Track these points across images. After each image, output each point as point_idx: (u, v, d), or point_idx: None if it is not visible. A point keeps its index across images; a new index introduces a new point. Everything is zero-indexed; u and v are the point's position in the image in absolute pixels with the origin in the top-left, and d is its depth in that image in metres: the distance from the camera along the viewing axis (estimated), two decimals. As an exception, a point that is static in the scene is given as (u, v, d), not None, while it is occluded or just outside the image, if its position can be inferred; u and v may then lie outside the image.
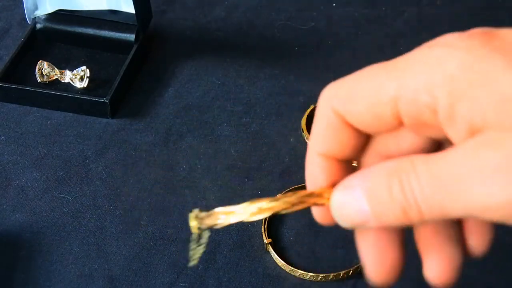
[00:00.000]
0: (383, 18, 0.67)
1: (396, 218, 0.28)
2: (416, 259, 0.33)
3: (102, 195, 0.52)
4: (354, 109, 0.30)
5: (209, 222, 0.34)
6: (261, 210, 0.32)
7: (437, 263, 0.32)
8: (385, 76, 0.29)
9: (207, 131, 0.57)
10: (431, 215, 0.27)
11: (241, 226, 0.50)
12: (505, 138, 0.26)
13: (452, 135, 0.27)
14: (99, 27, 0.62)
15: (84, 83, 0.58)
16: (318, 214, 0.32)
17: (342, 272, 0.46)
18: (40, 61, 0.59)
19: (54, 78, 0.59)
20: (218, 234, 0.49)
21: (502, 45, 0.27)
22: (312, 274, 0.46)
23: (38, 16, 0.62)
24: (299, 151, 0.55)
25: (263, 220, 0.49)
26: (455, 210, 0.27)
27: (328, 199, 0.30)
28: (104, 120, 0.57)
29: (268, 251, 0.48)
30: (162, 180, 0.53)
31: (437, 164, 0.27)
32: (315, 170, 0.32)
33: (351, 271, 0.46)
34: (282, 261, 0.47)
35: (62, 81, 0.59)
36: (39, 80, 0.59)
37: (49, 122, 0.57)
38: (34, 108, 0.58)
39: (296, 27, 0.66)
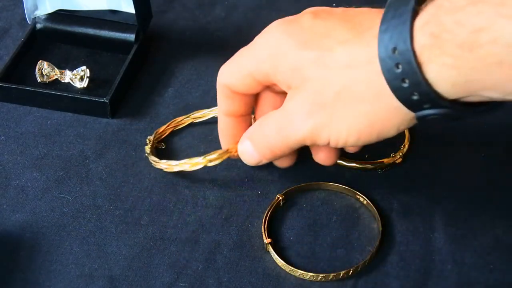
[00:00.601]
0: (383, 18, 0.66)
1: (269, 154, 0.47)
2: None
3: (102, 195, 0.52)
4: (232, 81, 0.47)
5: (154, 158, 0.53)
6: (194, 164, 0.50)
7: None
8: (245, 57, 0.47)
9: (207, 131, 0.57)
10: (281, 149, 0.47)
11: (241, 226, 0.50)
12: (293, 94, 0.44)
13: (284, 89, 0.46)
14: (99, 27, 0.62)
15: (84, 83, 0.58)
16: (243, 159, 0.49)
17: (342, 272, 0.46)
18: (40, 61, 0.59)
19: (54, 78, 0.59)
20: (218, 234, 0.49)
21: (298, 30, 0.44)
22: (312, 274, 0.46)
23: (38, 16, 0.62)
24: (299, 151, 0.55)
25: (263, 220, 0.49)
26: (294, 137, 0.45)
27: (236, 151, 0.49)
28: (104, 120, 0.57)
29: (268, 251, 0.48)
30: (162, 180, 0.53)
31: (267, 120, 0.47)
32: (224, 127, 0.51)
33: (351, 271, 0.46)
34: (282, 261, 0.47)
35: (62, 81, 0.59)
36: (39, 80, 0.59)
37: (49, 122, 0.57)
38: (34, 108, 0.58)
39: (296, 27, 0.66)
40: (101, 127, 0.57)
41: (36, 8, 0.62)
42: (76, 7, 0.62)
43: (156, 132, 0.55)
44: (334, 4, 0.68)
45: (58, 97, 0.57)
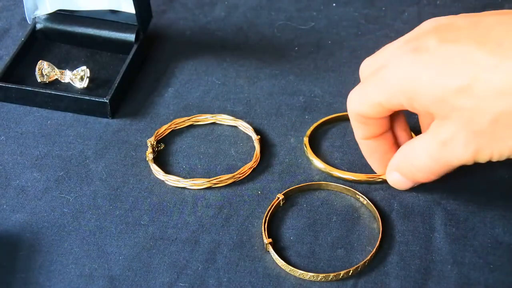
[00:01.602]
0: (383, 18, 0.67)
1: (423, 179, 0.48)
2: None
3: (102, 195, 0.52)
4: (362, 109, 0.47)
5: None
6: (197, 184, 0.53)
7: None
8: (374, 89, 0.46)
9: (207, 131, 0.57)
10: (438, 174, 0.47)
11: (241, 226, 0.50)
12: (443, 123, 0.44)
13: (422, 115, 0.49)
14: (99, 27, 0.62)
15: (84, 83, 0.58)
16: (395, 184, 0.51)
17: (342, 272, 0.46)
18: (40, 61, 0.59)
19: (54, 78, 0.59)
20: (218, 234, 0.49)
21: (428, 59, 0.43)
22: (312, 274, 0.46)
23: (38, 16, 0.62)
24: (299, 151, 0.55)
25: (263, 220, 0.49)
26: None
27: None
28: (104, 120, 0.57)
29: (268, 251, 0.48)
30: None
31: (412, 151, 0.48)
32: (367, 150, 0.51)
33: (351, 271, 0.46)
34: (282, 261, 0.47)
35: (62, 81, 0.59)
36: (39, 80, 0.59)
37: (49, 122, 0.57)
38: (34, 108, 0.58)
39: (296, 27, 0.66)
40: (101, 127, 0.57)
41: (36, 8, 0.62)
42: (76, 7, 0.62)
43: (156, 134, 0.55)
44: (334, 4, 0.68)
45: (58, 97, 0.57)
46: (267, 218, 0.49)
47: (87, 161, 0.54)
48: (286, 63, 0.62)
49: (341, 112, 0.57)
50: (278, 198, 0.50)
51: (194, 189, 0.52)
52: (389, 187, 0.52)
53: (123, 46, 0.61)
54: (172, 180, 0.52)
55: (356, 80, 0.60)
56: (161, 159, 0.54)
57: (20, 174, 0.53)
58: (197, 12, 0.67)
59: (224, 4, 0.68)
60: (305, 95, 0.59)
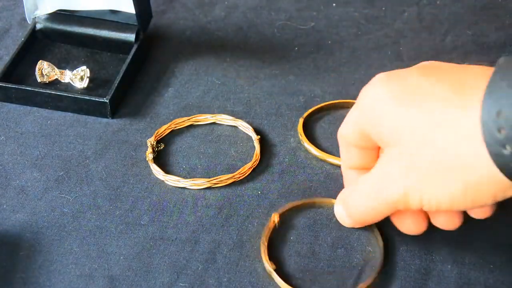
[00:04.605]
0: (383, 18, 0.67)
1: (360, 220, 0.48)
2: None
3: (102, 195, 0.52)
4: (344, 132, 0.47)
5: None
6: (197, 184, 0.52)
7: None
8: (354, 109, 0.45)
9: (207, 131, 0.57)
10: (371, 215, 0.46)
11: (241, 226, 0.50)
12: (389, 155, 0.43)
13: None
14: (99, 27, 0.62)
15: (84, 83, 0.58)
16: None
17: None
18: (40, 61, 0.59)
19: (54, 78, 0.59)
20: (218, 234, 0.49)
21: (400, 87, 0.42)
22: None
23: (38, 16, 0.62)
24: (299, 151, 0.55)
25: (264, 244, 0.48)
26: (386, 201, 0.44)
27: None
28: (104, 120, 0.57)
29: (273, 278, 0.46)
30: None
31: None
32: (346, 179, 0.50)
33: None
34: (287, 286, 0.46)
35: (62, 81, 0.59)
36: (39, 80, 0.59)
37: (49, 122, 0.57)
38: (34, 108, 0.58)
39: (296, 27, 0.66)
40: (101, 127, 0.57)
41: (36, 8, 0.62)
42: (76, 7, 0.62)
43: (156, 134, 0.55)
44: (334, 4, 0.68)
45: (58, 97, 0.57)
46: (266, 243, 0.48)
47: (87, 161, 0.54)
48: (286, 63, 0.62)
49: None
50: (274, 221, 0.49)
51: (194, 189, 0.52)
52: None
53: (123, 46, 0.61)
54: (172, 180, 0.52)
55: (356, 80, 0.60)
56: (161, 159, 0.54)
57: (20, 174, 0.53)
58: (197, 12, 0.67)
59: (224, 4, 0.68)
60: (305, 95, 0.59)
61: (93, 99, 0.57)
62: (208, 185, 0.52)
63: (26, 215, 0.51)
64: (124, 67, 0.59)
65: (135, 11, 0.59)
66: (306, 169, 0.54)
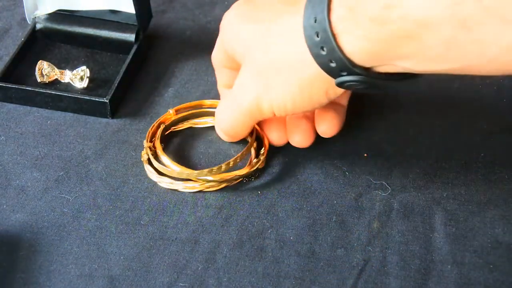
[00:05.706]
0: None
1: (232, 133, 0.52)
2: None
3: (102, 195, 0.52)
4: (214, 54, 0.53)
5: None
6: (189, 187, 0.52)
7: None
8: (217, 42, 0.53)
9: (207, 131, 0.57)
10: (237, 126, 0.51)
11: (241, 226, 0.50)
12: (241, 68, 0.49)
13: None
14: (99, 27, 0.62)
15: (84, 83, 0.58)
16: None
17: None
18: (40, 61, 0.59)
19: (54, 78, 0.59)
20: (218, 234, 0.49)
21: (248, 6, 0.49)
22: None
23: (38, 16, 0.62)
24: (299, 150, 0.55)
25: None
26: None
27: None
28: (104, 120, 0.57)
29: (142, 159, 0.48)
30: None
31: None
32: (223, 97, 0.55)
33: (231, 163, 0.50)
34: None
35: (62, 81, 0.59)
36: (39, 80, 0.59)
37: (49, 122, 0.57)
38: (34, 108, 0.58)
39: (296, 27, 0.66)
40: (101, 127, 0.57)
41: (36, 8, 0.62)
42: (76, 7, 0.62)
43: (148, 134, 0.55)
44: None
45: (58, 97, 0.57)
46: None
47: (87, 161, 0.54)
48: (286, 63, 0.62)
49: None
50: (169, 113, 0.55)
51: (186, 191, 0.52)
52: (389, 186, 0.52)
53: (123, 46, 0.61)
54: (165, 182, 0.52)
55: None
56: (161, 160, 0.54)
57: (20, 174, 0.53)
58: (197, 12, 0.67)
59: (224, 4, 0.68)
60: (305, 95, 0.59)
61: (93, 99, 0.57)
62: (199, 188, 0.52)
63: (26, 215, 0.51)
64: (124, 67, 0.59)
65: (135, 11, 0.59)
66: (306, 169, 0.53)
